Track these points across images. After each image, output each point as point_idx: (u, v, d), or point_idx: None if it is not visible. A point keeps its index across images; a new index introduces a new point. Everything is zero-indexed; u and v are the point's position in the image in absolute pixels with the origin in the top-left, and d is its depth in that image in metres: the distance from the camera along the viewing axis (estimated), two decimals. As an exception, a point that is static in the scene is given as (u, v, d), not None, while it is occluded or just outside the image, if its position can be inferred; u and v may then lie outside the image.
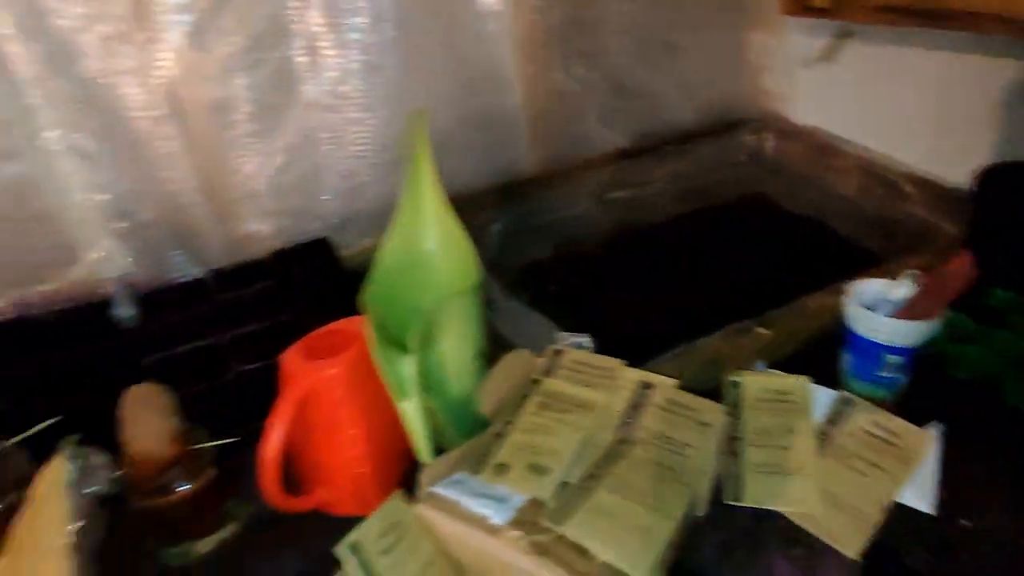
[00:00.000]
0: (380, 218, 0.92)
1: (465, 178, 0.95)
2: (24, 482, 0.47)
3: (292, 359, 0.53)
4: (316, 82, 0.80)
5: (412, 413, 0.50)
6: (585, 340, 0.61)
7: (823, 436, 0.52)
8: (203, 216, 0.82)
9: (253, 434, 0.52)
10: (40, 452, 0.52)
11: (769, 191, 1.06)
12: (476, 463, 0.50)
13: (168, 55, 0.72)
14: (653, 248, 0.92)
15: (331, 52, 0.78)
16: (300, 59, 0.78)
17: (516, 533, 0.42)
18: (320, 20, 0.76)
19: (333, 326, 0.57)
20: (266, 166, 0.82)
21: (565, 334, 0.62)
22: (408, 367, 0.49)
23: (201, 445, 0.51)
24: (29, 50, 0.66)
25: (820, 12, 0.87)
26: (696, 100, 1.12)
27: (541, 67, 0.96)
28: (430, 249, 0.61)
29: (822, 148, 1.03)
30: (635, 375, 0.57)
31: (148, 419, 0.48)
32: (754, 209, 1.01)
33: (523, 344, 0.63)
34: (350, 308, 0.74)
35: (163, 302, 0.76)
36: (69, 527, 0.30)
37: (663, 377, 0.56)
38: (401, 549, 0.42)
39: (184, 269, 0.83)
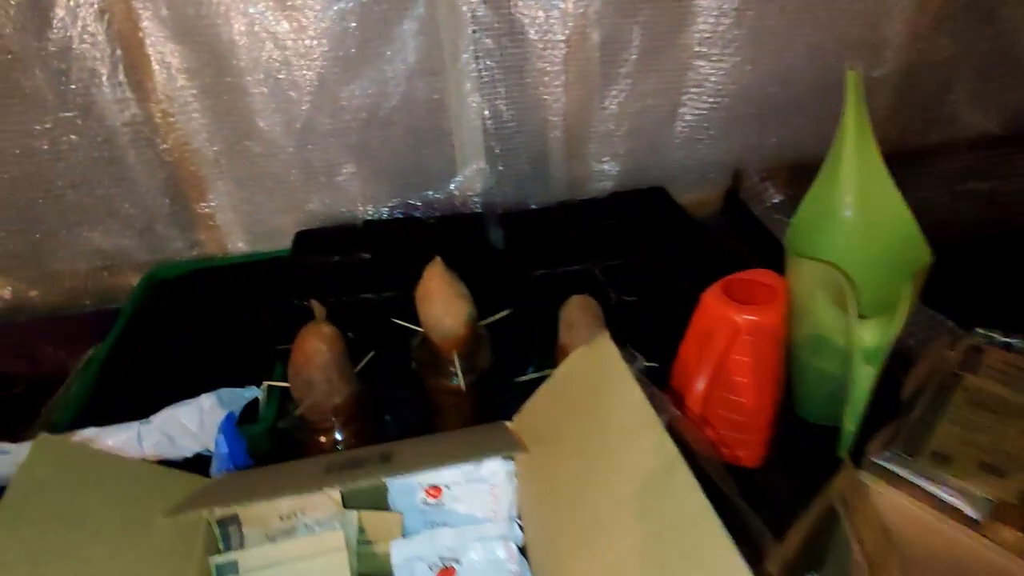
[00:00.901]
0: (718, 171, 0.92)
1: (808, 144, 0.90)
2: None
3: (715, 301, 0.54)
4: (699, 26, 0.79)
5: (868, 379, 0.49)
6: (1016, 341, 0.55)
7: None
8: (558, 150, 0.86)
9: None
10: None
11: None
12: (908, 444, 0.47)
13: (580, -7, 0.75)
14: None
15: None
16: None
17: (1015, 534, 0.39)
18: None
19: (746, 275, 0.57)
20: (630, 107, 0.84)
21: (985, 331, 0.56)
22: (885, 334, 0.48)
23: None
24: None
25: None
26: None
27: (921, 30, 0.86)
28: (847, 217, 0.58)
29: None
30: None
31: (587, 328, 0.52)
32: None
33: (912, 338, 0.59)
34: (696, 257, 0.75)
35: (522, 224, 0.83)
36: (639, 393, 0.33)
37: None
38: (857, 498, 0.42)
39: (532, 198, 0.89)
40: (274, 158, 0.79)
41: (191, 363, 0.68)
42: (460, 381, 0.48)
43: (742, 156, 0.88)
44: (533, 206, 0.88)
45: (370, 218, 0.85)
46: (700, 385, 0.51)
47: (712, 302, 0.54)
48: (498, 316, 0.53)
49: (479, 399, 0.52)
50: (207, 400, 0.53)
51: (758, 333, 0.52)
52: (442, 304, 0.47)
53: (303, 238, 0.81)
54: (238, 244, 0.86)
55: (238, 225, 0.84)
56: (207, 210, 0.82)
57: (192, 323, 0.74)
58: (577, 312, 0.53)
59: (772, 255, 0.60)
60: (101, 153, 0.76)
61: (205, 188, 0.80)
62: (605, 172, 0.89)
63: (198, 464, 0.53)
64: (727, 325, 0.52)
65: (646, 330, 0.66)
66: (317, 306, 0.52)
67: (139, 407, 0.58)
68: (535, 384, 0.46)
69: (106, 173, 0.77)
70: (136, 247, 0.83)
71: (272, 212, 0.83)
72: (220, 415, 0.53)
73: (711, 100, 0.85)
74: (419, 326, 0.51)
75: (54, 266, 0.81)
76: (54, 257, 0.81)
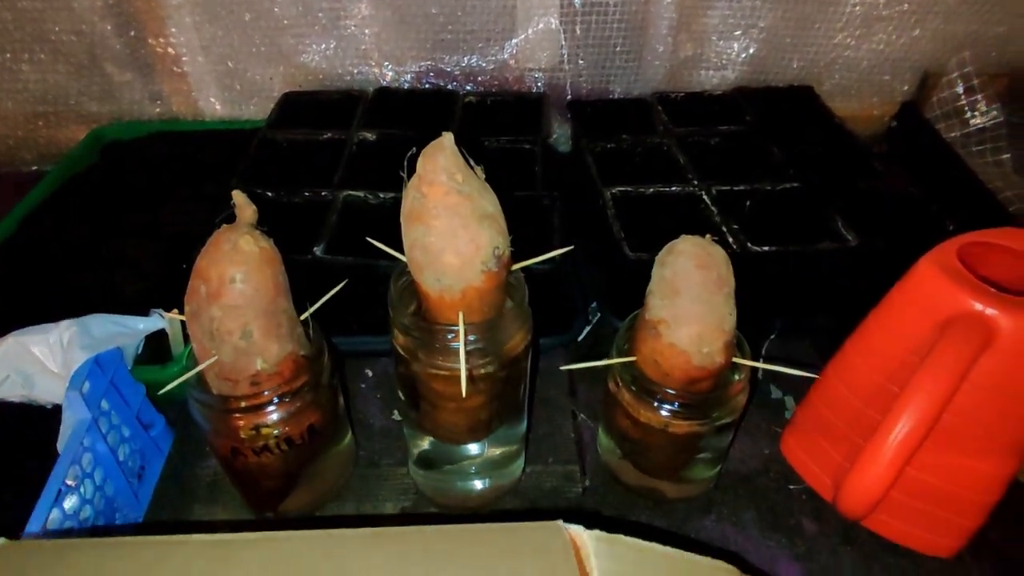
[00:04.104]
0: (897, 71, 0.63)
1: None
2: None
3: (947, 278, 0.29)
4: None
5: None
6: None
7: None
8: (666, 14, 0.59)
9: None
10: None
11: None
12: None
13: None
14: None
15: None
16: None
17: None
18: None
19: (989, 236, 0.32)
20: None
21: None
22: None
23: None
24: None
25: None
26: None
27: None
28: None
29: None
30: None
31: (702, 302, 0.29)
32: None
33: None
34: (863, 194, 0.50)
35: (599, 118, 0.58)
36: None
37: None
38: None
39: (618, 83, 0.63)
40: (255, -23, 0.55)
41: (127, 266, 0.47)
42: (463, 375, 0.25)
43: (942, 52, 0.59)
44: (617, 94, 0.63)
45: (386, 85, 0.61)
46: (900, 427, 0.28)
47: (939, 279, 0.29)
48: (549, 256, 0.30)
49: (505, 404, 0.30)
50: (67, 330, 0.33)
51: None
52: (445, 227, 0.24)
53: (290, 102, 0.59)
54: (213, 104, 0.63)
55: (211, 76, 0.62)
56: (169, 50, 0.60)
57: (139, 208, 0.53)
58: (688, 270, 0.29)
59: (968, 204, 0.47)
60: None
61: (163, 15, 0.57)
62: (727, 57, 0.62)
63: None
64: (971, 324, 0.28)
65: (780, 300, 0.43)
66: (241, 202, 0.30)
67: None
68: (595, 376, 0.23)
69: (27, -23, 0.55)
70: (79, 90, 0.62)
71: (254, 61, 0.60)
72: (84, 355, 0.33)
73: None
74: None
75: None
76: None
